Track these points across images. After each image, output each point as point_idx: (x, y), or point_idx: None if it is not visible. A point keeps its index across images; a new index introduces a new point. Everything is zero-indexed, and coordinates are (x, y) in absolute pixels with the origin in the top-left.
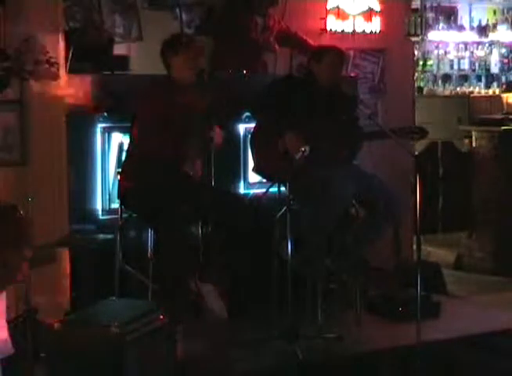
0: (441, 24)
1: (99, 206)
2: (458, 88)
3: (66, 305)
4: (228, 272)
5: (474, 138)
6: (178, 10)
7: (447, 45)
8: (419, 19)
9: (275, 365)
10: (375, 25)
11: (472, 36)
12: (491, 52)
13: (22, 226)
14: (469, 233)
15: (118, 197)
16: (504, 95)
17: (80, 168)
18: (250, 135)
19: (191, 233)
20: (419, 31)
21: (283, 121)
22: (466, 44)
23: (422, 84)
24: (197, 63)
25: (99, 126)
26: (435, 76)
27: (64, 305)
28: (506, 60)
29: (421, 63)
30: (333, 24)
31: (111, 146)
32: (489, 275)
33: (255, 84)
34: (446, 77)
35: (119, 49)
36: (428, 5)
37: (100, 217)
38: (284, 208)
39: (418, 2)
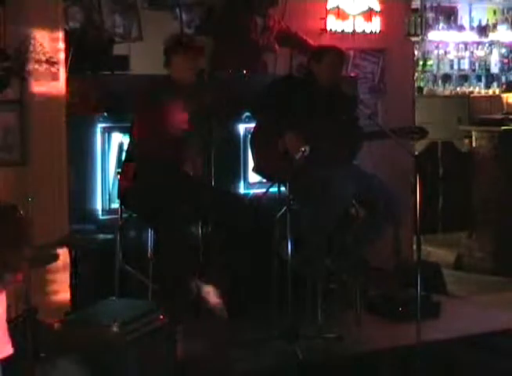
0: (441, 24)
1: (99, 206)
2: (458, 88)
3: (66, 305)
4: (228, 272)
5: (474, 138)
6: (178, 10)
7: (447, 45)
8: (419, 19)
9: (275, 365)
10: (375, 25)
11: (472, 36)
12: (491, 52)
13: (22, 226)
14: (469, 233)
15: (118, 197)
16: (504, 95)
17: (80, 168)
18: (250, 135)
19: (191, 233)
20: (419, 31)
21: (282, 121)
22: (466, 44)
23: (422, 84)
24: (197, 63)
25: (99, 126)
26: (435, 76)
27: (64, 305)
28: (506, 60)
29: (421, 63)
30: (333, 24)
31: (111, 146)
32: (489, 275)
33: (255, 84)
34: (446, 77)
35: (119, 49)
36: (428, 5)
37: (100, 217)
38: (284, 208)
39: (418, 2)
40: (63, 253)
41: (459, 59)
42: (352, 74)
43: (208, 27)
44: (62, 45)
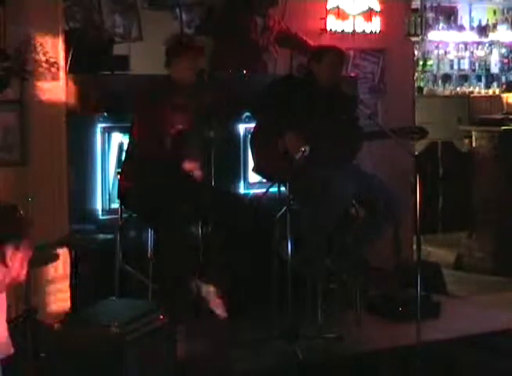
0: (441, 24)
1: (99, 206)
2: (458, 88)
3: (66, 305)
4: (228, 272)
5: (474, 138)
6: (178, 10)
7: (447, 45)
8: (419, 19)
9: (275, 365)
10: (375, 25)
11: (472, 36)
12: (491, 52)
13: (22, 226)
14: (469, 233)
15: (118, 197)
16: (504, 95)
17: (80, 168)
18: (250, 135)
19: (191, 233)
20: (419, 31)
21: (282, 121)
22: (466, 44)
23: (422, 84)
24: (197, 63)
25: (99, 126)
26: (435, 76)
27: (64, 305)
28: (506, 60)
29: (421, 63)
30: (333, 24)
31: (111, 146)
32: (489, 275)
33: (255, 84)
34: (446, 77)
35: (119, 49)
36: (428, 5)
37: (100, 217)
38: (284, 208)
39: (418, 2)
40: (63, 253)
41: (459, 59)
42: (352, 74)
43: (208, 27)
44: (62, 45)
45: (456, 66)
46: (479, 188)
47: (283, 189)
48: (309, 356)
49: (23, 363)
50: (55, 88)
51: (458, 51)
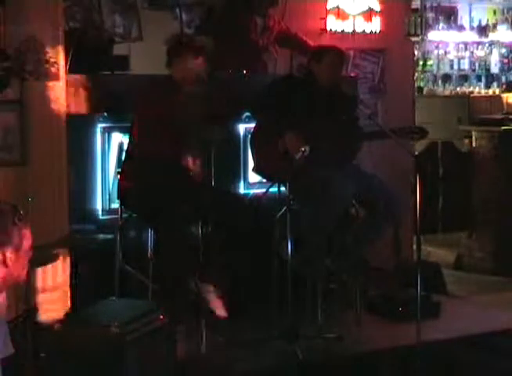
0: (441, 24)
1: (99, 206)
2: (458, 88)
3: (66, 305)
4: (228, 272)
5: (474, 138)
6: (178, 10)
7: (447, 45)
8: (419, 19)
9: (275, 365)
10: (375, 25)
11: (472, 36)
12: (491, 52)
13: (22, 226)
14: (469, 233)
15: (118, 197)
16: (504, 95)
17: (80, 168)
18: (250, 135)
19: (191, 233)
20: (419, 31)
21: (282, 121)
22: (466, 44)
23: (422, 84)
24: (198, 63)
25: (99, 126)
26: (435, 76)
27: (64, 305)
28: (506, 60)
29: (421, 63)
30: (333, 24)
31: (111, 146)
32: (489, 275)
33: (255, 84)
34: (446, 77)
35: (119, 49)
36: (428, 5)
37: (100, 217)
38: (284, 208)
39: (418, 2)
40: (63, 253)
41: (459, 59)
42: (352, 74)
43: (208, 27)
44: (62, 45)
45: (456, 66)
46: (479, 188)
47: (283, 189)
48: (309, 356)
49: (23, 363)
50: (55, 88)
51: (458, 51)
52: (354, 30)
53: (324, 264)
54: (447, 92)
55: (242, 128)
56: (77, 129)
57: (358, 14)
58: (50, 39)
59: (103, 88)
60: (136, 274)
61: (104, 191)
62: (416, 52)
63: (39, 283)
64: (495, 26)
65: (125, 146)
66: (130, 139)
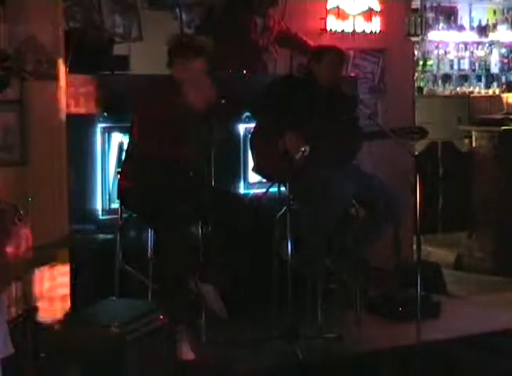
0: (441, 24)
1: (99, 206)
2: (458, 88)
3: (66, 305)
4: (228, 272)
5: (474, 138)
6: (178, 10)
7: (447, 45)
8: (419, 19)
9: (275, 365)
10: (375, 25)
11: (472, 36)
12: (491, 52)
13: (22, 226)
14: (469, 233)
15: (118, 197)
16: (504, 95)
17: (80, 168)
18: (250, 135)
19: (191, 233)
20: (419, 31)
21: (282, 121)
22: (466, 44)
23: (422, 84)
24: (199, 63)
25: (99, 126)
26: (435, 76)
27: (64, 305)
28: (506, 60)
29: (421, 63)
30: (333, 24)
31: (111, 146)
32: (489, 275)
33: (255, 84)
34: (446, 77)
35: (119, 49)
36: (428, 5)
37: (100, 217)
38: (284, 208)
39: (418, 2)
40: (63, 253)
41: (459, 59)
42: (352, 74)
43: (208, 27)
44: (62, 45)
45: (456, 66)
46: (479, 188)
47: (283, 189)
48: (309, 356)
49: (23, 363)
50: (55, 88)
51: (458, 51)
52: (354, 30)
53: (324, 264)
54: (447, 92)
55: (242, 128)
56: (77, 129)
57: (358, 14)
58: (50, 39)
59: (103, 88)
60: (136, 274)
61: (104, 191)
62: (416, 52)
63: (39, 284)
64: (495, 26)
65: (125, 146)
66: (130, 138)
